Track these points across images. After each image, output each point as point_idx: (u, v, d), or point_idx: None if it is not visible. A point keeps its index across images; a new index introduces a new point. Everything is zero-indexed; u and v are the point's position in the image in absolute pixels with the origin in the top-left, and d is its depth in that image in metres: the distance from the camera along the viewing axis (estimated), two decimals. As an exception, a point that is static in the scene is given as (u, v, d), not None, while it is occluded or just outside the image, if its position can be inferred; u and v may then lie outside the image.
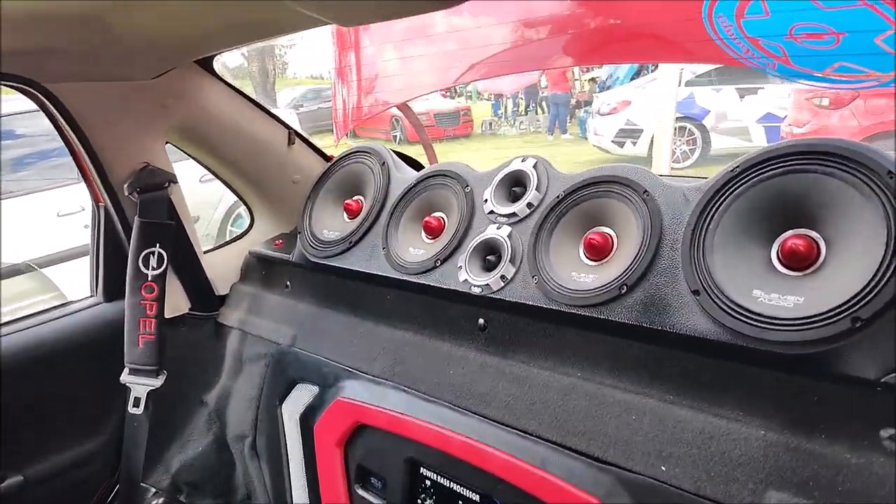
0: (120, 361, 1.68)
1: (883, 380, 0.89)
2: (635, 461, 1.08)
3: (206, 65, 1.72)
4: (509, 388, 1.28)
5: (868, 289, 0.89)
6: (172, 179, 1.73)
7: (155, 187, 1.70)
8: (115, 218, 1.73)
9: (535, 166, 1.38)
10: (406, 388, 1.43)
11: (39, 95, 1.50)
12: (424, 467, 1.42)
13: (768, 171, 1.03)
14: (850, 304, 0.90)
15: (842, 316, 0.90)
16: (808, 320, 0.93)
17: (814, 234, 1.00)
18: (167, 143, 1.77)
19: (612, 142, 10.35)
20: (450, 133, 14.46)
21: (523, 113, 16.09)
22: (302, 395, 1.67)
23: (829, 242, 0.98)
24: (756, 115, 9.05)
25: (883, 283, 0.88)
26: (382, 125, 13.99)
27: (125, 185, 1.68)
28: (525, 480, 1.19)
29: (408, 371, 1.45)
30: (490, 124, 15.76)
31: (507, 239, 1.33)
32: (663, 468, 1.05)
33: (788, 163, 1.01)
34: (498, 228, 1.36)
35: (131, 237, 1.69)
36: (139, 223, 1.68)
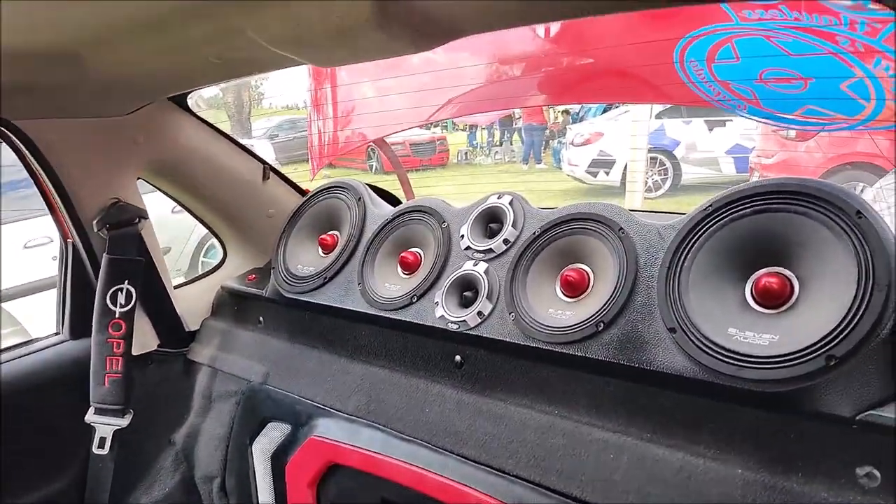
0: (85, 400, 1.63)
1: (858, 417, 0.90)
2: (614, 501, 1.06)
3: (181, 101, 1.71)
4: (486, 426, 1.26)
5: (841, 327, 0.90)
6: (143, 215, 1.71)
7: (125, 223, 1.67)
8: (84, 254, 1.70)
9: (511, 203, 1.38)
10: (381, 427, 1.41)
11: (5, 130, 1.47)
12: None
13: (741, 210, 1.04)
14: (824, 342, 0.91)
15: (816, 354, 0.91)
16: (783, 358, 0.93)
17: (787, 272, 1.01)
18: (139, 178, 1.75)
19: (586, 172, 10.49)
20: (426, 163, 14.53)
21: (498, 143, 16.27)
22: (273, 434, 1.63)
23: (801, 280, 1.00)
24: (725, 146, 9.27)
25: (856, 321, 0.90)
26: (358, 155, 14.01)
27: (94, 222, 1.65)
28: (503, 522, 1.17)
29: (383, 409, 1.43)
30: (466, 154, 15.89)
31: (483, 275, 1.33)
32: None
33: (761, 202, 1.03)
34: (475, 264, 1.36)
35: (99, 274, 1.65)
36: (108, 259, 1.65)
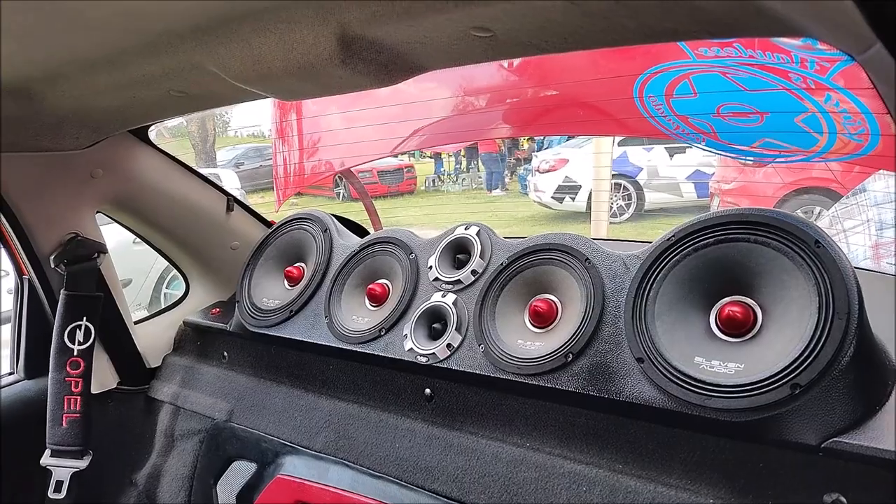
0: (41, 443, 1.56)
1: (823, 445, 0.91)
2: None
3: (141, 133, 1.68)
4: (457, 460, 1.24)
5: (804, 356, 0.92)
6: (102, 250, 1.66)
7: (83, 258, 1.63)
8: (40, 290, 1.65)
9: (478, 234, 1.38)
10: (350, 464, 1.38)
11: None
12: None
13: (703, 240, 1.06)
14: (789, 370, 0.92)
15: (781, 383, 0.92)
16: (749, 387, 0.94)
17: (750, 301, 1.02)
18: (98, 211, 1.71)
19: (552, 198, 10.61)
20: (393, 190, 14.56)
21: (465, 170, 16.40)
22: (239, 474, 1.59)
23: (764, 309, 1.01)
24: (685, 172, 9.48)
25: (818, 349, 0.91)
26: (325, 183, 13.98)
27: (51, 257, 1.60)
28: (475, 559, 1.15)
29: (352, 445, 1.40)
30: (433, 181, 15.99)
31: (452, 306, 1.32)
32: None
33: (722, 232, 1.05)
34: (443, 296, 1.35)
35: (57, 310, 1.60)
36: (65, 296, 1.60)
